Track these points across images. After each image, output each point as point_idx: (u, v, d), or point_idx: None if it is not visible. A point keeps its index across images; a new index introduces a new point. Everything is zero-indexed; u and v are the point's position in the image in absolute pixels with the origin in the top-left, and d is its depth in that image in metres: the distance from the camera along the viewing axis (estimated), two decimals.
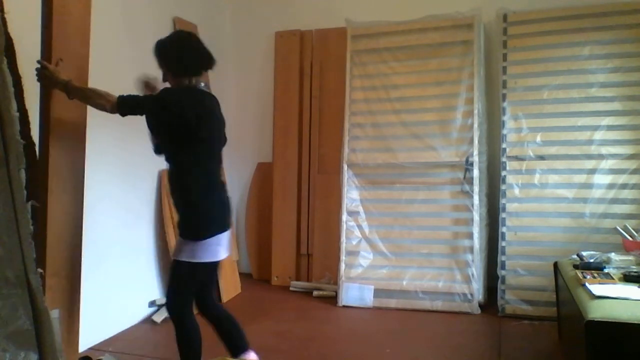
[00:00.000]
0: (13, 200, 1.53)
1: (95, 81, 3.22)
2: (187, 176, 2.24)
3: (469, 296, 3.66)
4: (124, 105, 2.22)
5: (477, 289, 3.67)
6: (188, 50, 2.28)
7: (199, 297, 2.40)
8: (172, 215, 3.73)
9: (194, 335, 2.31)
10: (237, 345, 2.41)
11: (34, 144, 2.17)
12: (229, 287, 4.10)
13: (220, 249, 2.25)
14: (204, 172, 2.25)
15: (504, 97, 3.79)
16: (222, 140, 2.39)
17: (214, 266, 2.31)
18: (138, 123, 3.62)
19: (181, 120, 2.14)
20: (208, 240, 2.19)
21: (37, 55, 2.72)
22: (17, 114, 1.53)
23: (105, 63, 3.30)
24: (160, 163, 3.82)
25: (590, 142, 3.58)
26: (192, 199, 2.23)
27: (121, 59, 3.45)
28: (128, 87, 3.48)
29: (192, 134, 2.16)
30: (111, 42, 3.36)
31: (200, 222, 2.22)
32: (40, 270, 1.60)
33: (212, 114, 2.27)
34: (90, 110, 3.18)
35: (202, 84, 2.34)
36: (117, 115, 3.35)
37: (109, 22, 3.34)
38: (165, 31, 3.88)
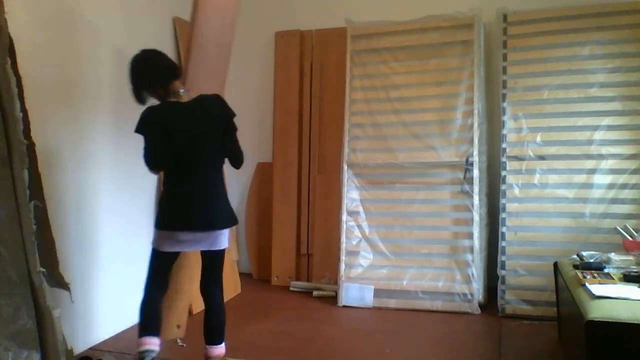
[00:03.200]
0: (16, 200, 1.53)
1: (95, 81, 3.23)
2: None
3: (469, 296, 3.66)
4: (147, 164, 2.54)
5: (477, 289, 3.67)
6: (136, 70, 2.50)
7: (201, 282, 2.66)
8: None
9: (144, 306, 2.57)
10: (210, 336, 2.61)
11: (34, 144, 2.17)
12: (229, 287, 4.10)
13: (173, 243, 2.50)
14: (165, 181, 2.54)
15: (504, 97, 3.79)
16: (191, 147, 2.47)
17: (172, 256, 2.59)
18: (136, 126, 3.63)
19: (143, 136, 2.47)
20: (158, 232, 2.50)
21: (37, 55, 2.73)
22: (21, 114, 1.53)
23: (105, 64, 3.30)
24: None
25: (590, 142, 3.58)
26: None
27: (121, 60, 3.45)
28: (126, 85, 3.50)
29: (153, 151, 2.48)
30: (111, 43, 3.36)
31: (156, 217, 2.55)
32: (42, 269, 1.60)
33: (172, 130, 2.44)
34: (89, 111, 3.19)
35: (181, 91, 2.52)
36: (115, 117, 3.40)
37: (109, 22, 3.34)
38: (165, 31, 3.92)
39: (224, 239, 2.58)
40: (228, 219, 2.58)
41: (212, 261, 2.61)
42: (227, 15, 3.49)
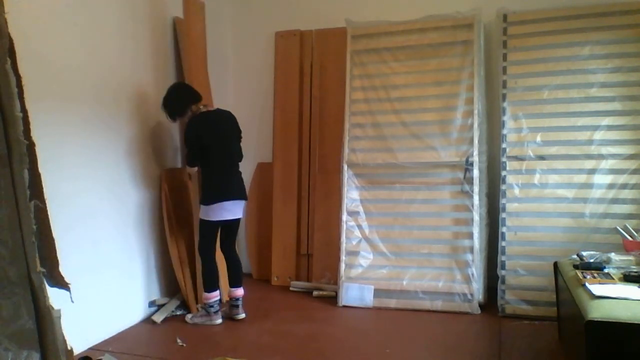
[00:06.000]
0: (16, 200, 1.53)
1: (97, 81, 3.23)
2: (202, 168, 3.53)
3: (469, 296, 3.66)
4: (190, 162, 3.49)
5: (477, 289, 3.67)
6: (174, 95, 3.51)
7: (222, 244, 3.67)
8: (171, 215, 3.73)
9: (208, 268, 3.52)
10: (232, 281, 3.62)
11: (34, 144, 2.17)
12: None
13: (223, 212, 3.45)
14: (207, 170, 3.48)
15: (504, 97, 3.79)
16: (227, 143, 3.51)
17: (220, 224, 3.51)
18: (138, 126, 3.65)
19: (195, 140, 3.40)
20: (211, 206, 3.41)
21: (38, 54, 2.73)
22: (21, 114, 1.53)
23: (105, 64, 3.31)
24: (162, 163, 3.84)
25: (590, 142, 3.58)
26: (202, 182, 3.54)
27: (121, 60, 3.46)
28: (127, 87, 3.51)
29: (200, 145, 3.40)
30: (111, 43, 3.36)
31: (203, 195, 3.48)
32: (42, 269, 1.60)
33: (211, 129, 3.44)
34: (88, 113, 3.19)
35: (202, 107, 3.51)
36: (117, 119, 3.42)
37: (109, 22, 3.34)
38: (165, 31, 3.92)
39: (243, 209, 3.66)
40: (245, 194, 3.62)
41: (235, 226, 3.65)
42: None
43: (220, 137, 3.47)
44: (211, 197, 3.41)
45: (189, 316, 3.57)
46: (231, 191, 3.50)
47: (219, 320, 3.50)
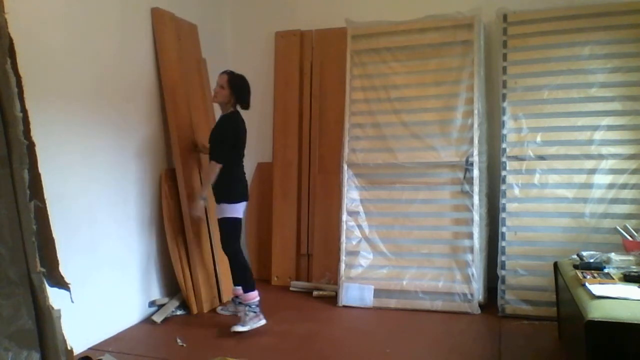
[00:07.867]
0: (16, 200, 1.53)
1: (98, 79, 3.23)
2: (229, 166, 3.47)
3: (469, 296, 3.66)
4: (224, 158, 3.43)
5: (477, 289, 3.67)
6: (238, 85, 3.50)
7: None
8: (171, 215, 3.73)
9: (246, 266, 3.53)
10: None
11: (34, 144, 2.17)
12: (229, 286, 4.09)
13: (241, 210, 3.52)
14: (232, 170, 3.49)
15: (504, 97, 3.79)
16: (245, 145, 3.59)
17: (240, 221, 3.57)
18: (136, 125, 3.64)
19: (233, 137, 3.47)
20: (238, 204, 3.48)
21: (38, 54, 2.73)
22: (21, 114, 1.53)
23: (104, 65, 3.30)
24: (162, 164, 3.83)
25: (590, 142, 3.59)
26: (228, 180, 3.47)
27: (119, 60, 3.46)
28: (128, 85, 3.50)
29: (231, 144, 3.46)
30: (109, 43, 3.36)
31: (231, 193, 3.48)
32: (42, 269, 1.60)
33: (242, 130, 3.51)
34: (85, 112, 3.18)
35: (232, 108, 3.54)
36: (118, 118, 3.40)
37: (109, 18, 3.34)
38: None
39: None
40: None
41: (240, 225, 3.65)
42: None
43: (244, 139, 3.57)
44: (240, 195, 3.49)
45: (237, 327, 3.28)
46: (247, 191, 3.63)
47: (264, 321, 3.38)
